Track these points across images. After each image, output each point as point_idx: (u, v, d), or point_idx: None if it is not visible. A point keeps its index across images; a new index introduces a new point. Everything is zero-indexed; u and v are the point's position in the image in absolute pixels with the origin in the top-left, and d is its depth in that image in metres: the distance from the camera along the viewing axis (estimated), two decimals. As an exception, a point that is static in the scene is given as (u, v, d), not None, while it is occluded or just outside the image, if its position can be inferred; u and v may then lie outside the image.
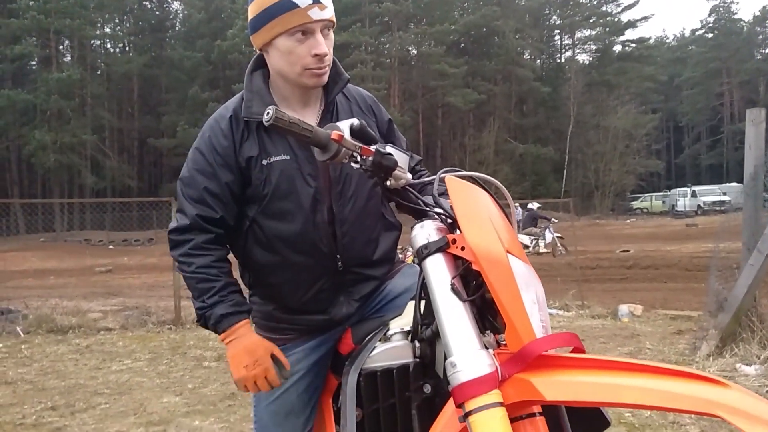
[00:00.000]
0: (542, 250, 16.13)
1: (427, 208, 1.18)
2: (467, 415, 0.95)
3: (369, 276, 1.52)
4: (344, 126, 1.19)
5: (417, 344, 1.21)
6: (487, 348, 1.02)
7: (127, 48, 48.55)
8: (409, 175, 1.17)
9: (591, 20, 51.72)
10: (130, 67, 42.35)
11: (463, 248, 1.07)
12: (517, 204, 18.06)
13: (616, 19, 52.01)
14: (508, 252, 1.06)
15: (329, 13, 1.38)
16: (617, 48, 52.74)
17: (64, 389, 4.59)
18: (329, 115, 1.48)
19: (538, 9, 51.25)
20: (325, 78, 1.43)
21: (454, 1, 47.37)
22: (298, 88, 1.44)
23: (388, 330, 1.31)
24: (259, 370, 1.37)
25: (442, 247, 1.10)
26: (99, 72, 44.14)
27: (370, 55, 42.66)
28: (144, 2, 49.81)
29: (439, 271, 1.08)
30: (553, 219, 16.51)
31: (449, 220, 1.17)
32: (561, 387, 0.92)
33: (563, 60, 54.99)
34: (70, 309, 7.77)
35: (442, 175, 1.19)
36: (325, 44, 1.37)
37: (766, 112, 4.98)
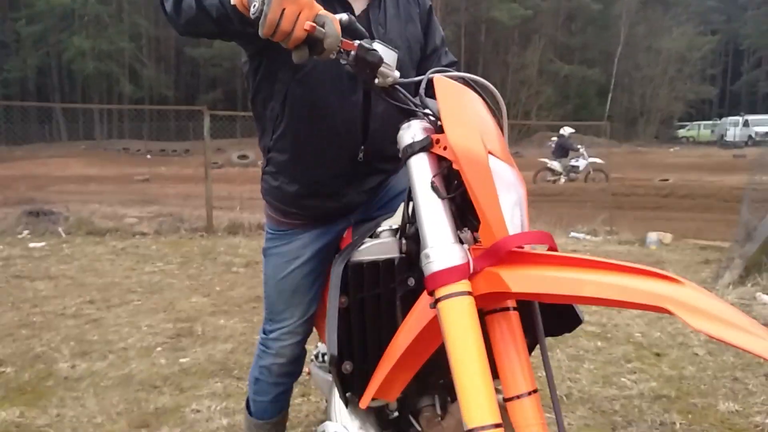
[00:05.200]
0: (575, 176, 15.90)
1: (416, 108, 1.18)
2: (437, 301, 1.00)
3: (381, 169, 1.59)
4: None
5: (404, 241, 1.26)
6: (462, 243, 1.05)
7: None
8: (397, 73, 1.16)
9: (652, -70, 47.94)
10: (167, -28, 41.45)
11: (445, 148, 1.09)
12: (553, 138, 17.51)
13: (679, -71, 48.11)
14: (490, 153, 1.07)
15: None
16: (678, -38, 49.12)
17: (101, 286, 4.90)
18: (377, 1, 1.48)
19: None
20: None
21: None
22: None
23: (377, 228, 1.36)
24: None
25: (425, 146, 1.12)
26: (136, -24, 43.43)
27: (413, -35, 40.72)
28: None
29: (421, 170, 1.11)
30: (581, 148, 15.88)
31: (438, 122, 1.17)
32: (527, 280, 0.96)
33: (618, -26, 51.59)
34: (108, 213, 8.12)
35: (431, 76, 1.18)
36: None
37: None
